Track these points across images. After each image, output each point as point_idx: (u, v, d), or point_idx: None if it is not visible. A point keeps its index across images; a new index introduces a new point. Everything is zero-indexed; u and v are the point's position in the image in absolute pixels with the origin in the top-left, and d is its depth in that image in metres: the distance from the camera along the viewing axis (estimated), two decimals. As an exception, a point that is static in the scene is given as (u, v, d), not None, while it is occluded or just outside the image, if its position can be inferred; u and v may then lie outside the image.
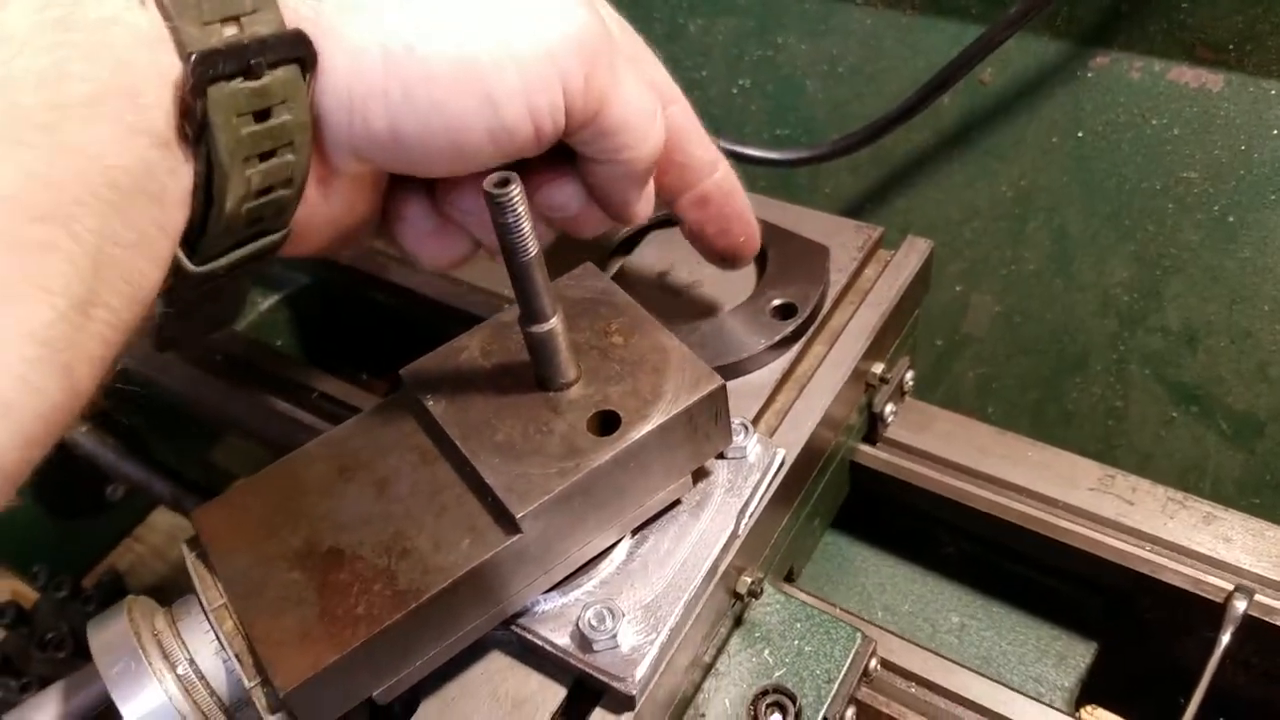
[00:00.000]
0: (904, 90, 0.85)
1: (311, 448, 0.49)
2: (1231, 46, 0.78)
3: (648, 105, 0.47)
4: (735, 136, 0.90)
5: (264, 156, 0.38)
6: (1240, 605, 0.58)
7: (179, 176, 0.36)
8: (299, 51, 0.38)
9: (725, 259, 0.57)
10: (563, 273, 0.54)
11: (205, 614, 0.43)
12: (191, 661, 0.42)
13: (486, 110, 0.41)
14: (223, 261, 0.40)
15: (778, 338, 0.59)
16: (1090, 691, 0.68)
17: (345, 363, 0.96)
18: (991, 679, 0.59)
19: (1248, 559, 0.60)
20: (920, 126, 0.91)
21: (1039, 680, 0.68)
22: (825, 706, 0.51)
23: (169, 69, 0.35)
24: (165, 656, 0.42)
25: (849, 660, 0.52)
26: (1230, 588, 0.59)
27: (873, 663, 0.54)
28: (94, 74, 0.33)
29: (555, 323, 0.45)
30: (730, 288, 0.64)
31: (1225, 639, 0.57)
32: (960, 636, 0.71)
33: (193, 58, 0.35)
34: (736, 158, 0.88)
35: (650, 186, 0.52)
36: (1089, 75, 0.85)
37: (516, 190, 0.40)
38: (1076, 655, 0.69)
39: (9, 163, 0.31)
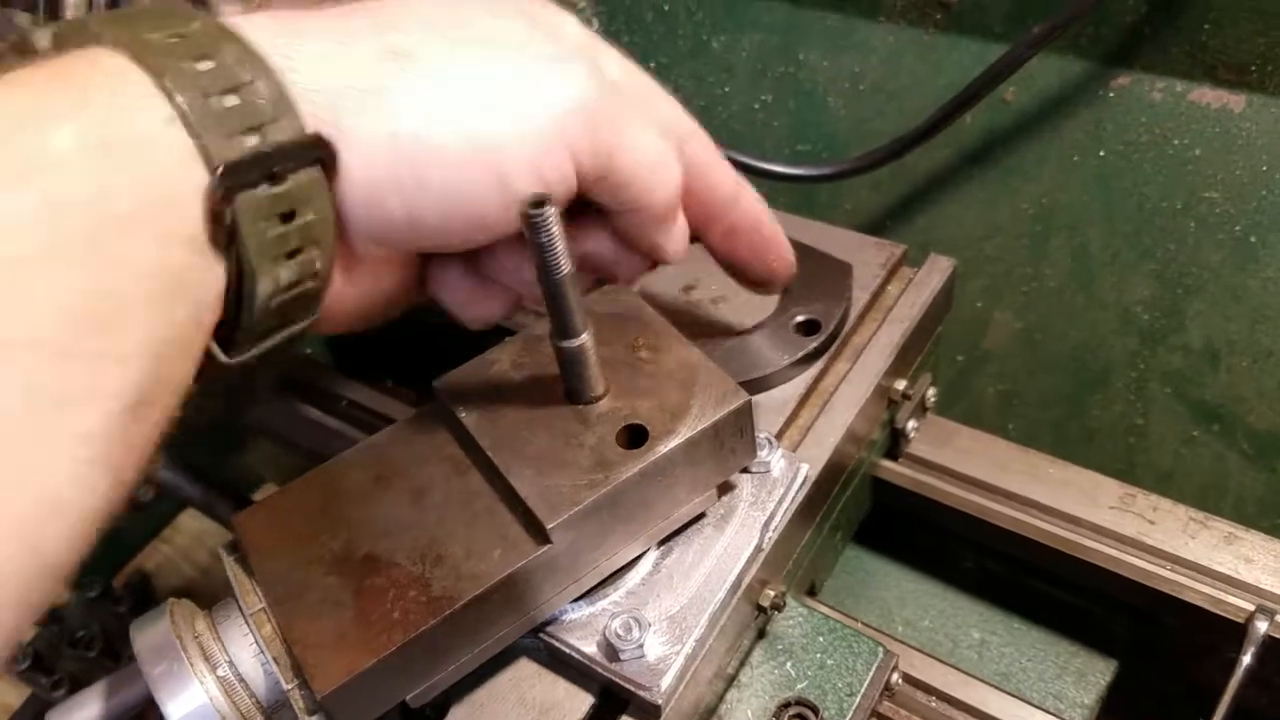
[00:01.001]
0: (926, 108, 0.86)
1: (348, 456, 0.50)
2: (1253, 68, 0.78)
3: (657, 151, 0.48)
4: (757, 152, 0.90)
5: (290, 254, 0.40)
6: (1262, 626, 0.58)
7: (212, 278, 0.38)
8: (318, 154, 0.40)
9: (760, 284, 0.58)
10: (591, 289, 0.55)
11: (244, 617, 0.44)
12: (231, 664, 0.43)
13: (498, 186, 0.43)
14: (254, 352, 0.42)
15: (801, 354, 0.60)
16: (1110, 709, 0.68)
17: (372, 369, 0.97)
18: (1011, 694, 0.59)
19: (1269, 580, 0.60)
20: (942, 144, 0.91)
21: (1059, 697, 0.69)
22: (847, 719, 0.51)
23: (199, 180, 0.37)
24: (206, 658, 0.43)
25: (871, 674, 0.53)
26: (1251, 608, 0.59)
27: (894, 677, 0.54)
28: (134, 191, 0.35)
29: (586, 338, 0.47)
30: (754, 304, 0.65)
31: (1247, 659, 0.58)
32: (980, 652, 0.71)
33: (219, 170, 0.37)
34: (758, 173, 0.89)
35: (680, 224, 0.52)
36: (1111, 95, 0.85)
37: (551, 211, 0.41)
38: (1096, 673, 0.70)
39: (63, 281, 0.33)
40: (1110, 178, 0.88)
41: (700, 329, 0.63)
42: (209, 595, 0.47)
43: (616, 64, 0.49)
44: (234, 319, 0.40)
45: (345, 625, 0.43)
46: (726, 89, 1.05)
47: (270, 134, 0.38)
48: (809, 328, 0.62)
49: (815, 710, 0.52)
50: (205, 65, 0.37)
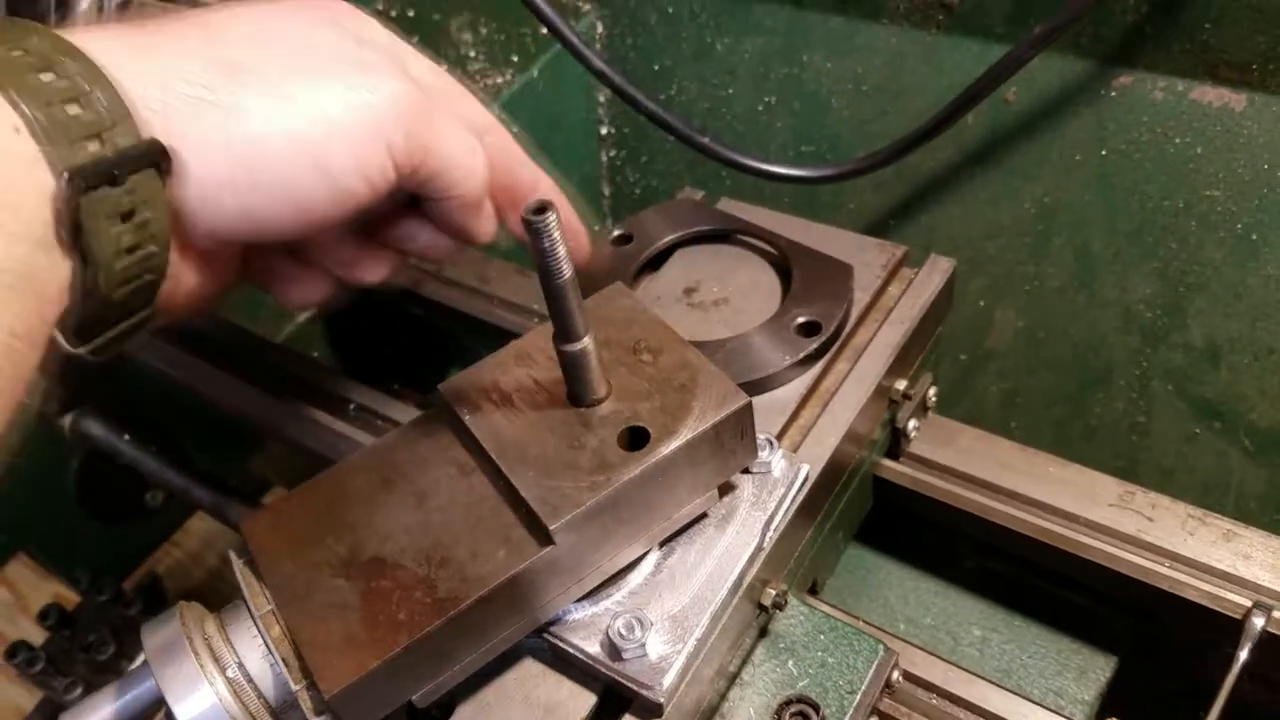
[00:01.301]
0: (928, 109, 0.86)
1: (354, 460, 0.51)
2: (1254, 67, 0.79)
3: (465, 144, 0.53)
4: (760, 154, 0.91)
5: (130, 250, 0.43)
6: (1259, 621, 0.59)
7: (57, 273, 0.41)
8: (155, 158, 0.43)
9: None
10: (592, 293, 0.55)
11: (253, 619, 0.45)
12: (240, 665, 0.44)
13: (324, 181, 0.47)
14: (98, 341, 0.45)
15: (802, 354, 0.61)
16: (1110, 705, 0.69)
17: (377, 372, 0.98)
18: (1012, 691, 0.60)
19: (1266, 576, 0.61)
20: (944, 144, 0.92)
21: (1059, 694, 0.69)
22: (848, 717, 0.52)
23: (45, 184, 0.39)
24: (215, 660, 0.44)
25: (871, 671, 0.53)
26: (1249, 604, 0.60)
27: (895, 674, 0.55)
28: None
29: (588, 341, 0.47)
30: (755, 306, 0.65)
31: (1244, 655, 0.58)
32: (981, 649, 0.72)
33: (65, 175, 0.39)
34: (761, 175, 0.90)
35: (487, 208, 0.57)
36: (1112, 94, 0.86)
37: (552, 218, 0.42)
38: (1097, 669, 0.70)
39: None
40: (1112, 177, 0.88)
41: (700, 330, 0.64)
42: (219, 597, 0.48)
43: (423, 66, 0.54)
44: (78, 311, 0.43)
45: (352, 627, 0.43)
46: (730, 91, 1.05)
47: (110, 140, 0.41)
48: (809, 329, 0.62)
49: (816, 708, 0.52)
50: (48, 77, 0.40)
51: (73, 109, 0.40)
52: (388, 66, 0.50)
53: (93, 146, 0.40)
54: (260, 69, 0.46)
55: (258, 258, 0.55)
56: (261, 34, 0.48)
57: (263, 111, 0.45)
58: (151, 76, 0.44)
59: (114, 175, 0.41)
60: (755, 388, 0.60)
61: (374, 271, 0.58)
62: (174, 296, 0.48)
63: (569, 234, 0.58)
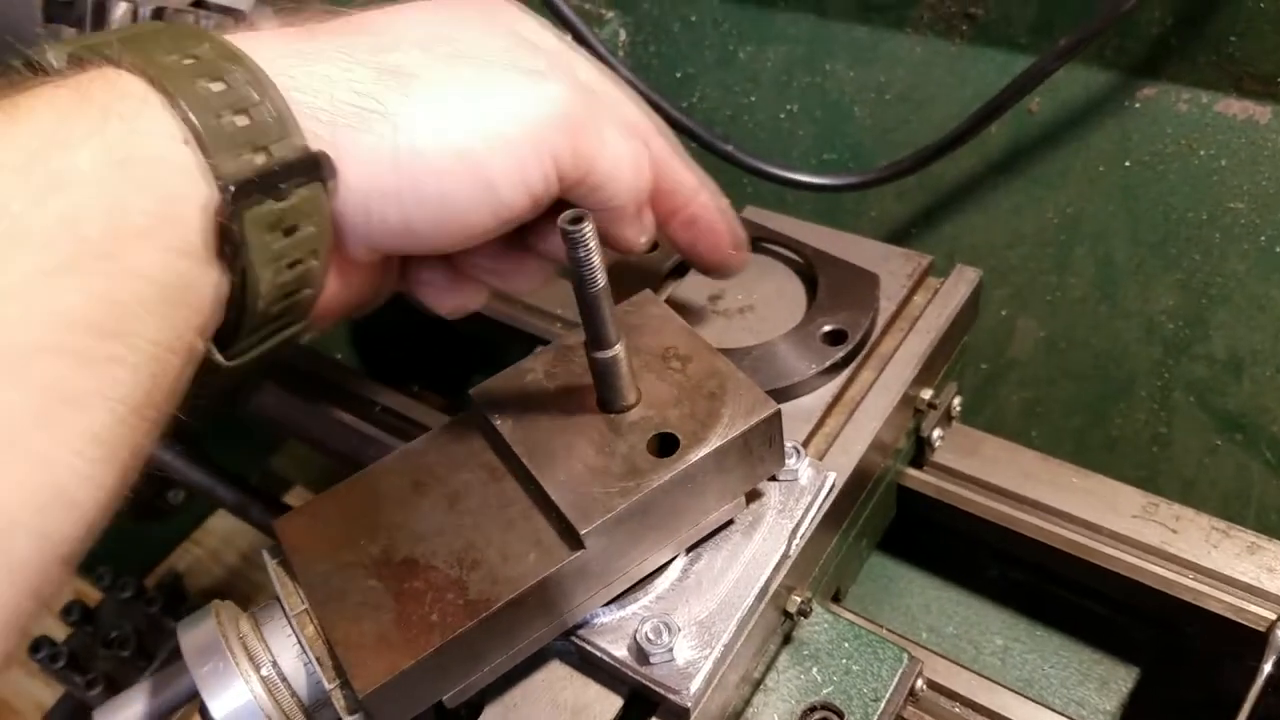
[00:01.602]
0: (951, 118, 0.87)
1: (387, 462, 0.51)
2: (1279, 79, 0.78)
3: (630, 153, 0.51)
4: (783, 161, 0.91)
5: (290, 265, 0.42)
6: (1283, 634, 0.59)
7: (216, 287, 0.40)
8: (319, 171, 0.42)
9: (717, 270, 0.61)
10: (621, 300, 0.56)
11: (287, 619, 0.45)
12: (275, 664, 0.45)
13: (488, 194, 0.46)
14: (251, 355, 0.44)
15: (828, 363, 0.61)
16: (1132, 716, 0.69)
17: (398, 374, 0.98)
18: (1034, 701, 0.60)
19: (1291, 589, 0.61)
20: (967, 154, 0.92)
21: (1081, 704, 0.69)
22: (871, 723, 0.52)
23: (208, 196, 0.39)
24: (250, 658, 0.45)
25: (896, 679, 0.54)
26: (1273, 617, 0.60)
27: (919, 683, 0.55)
28: (148, 207, 0.37)
29: (619, 349, 0.48)
30: (780, 313, 0.66)
31: (1268, 668, 0.58)
32: (1003, 659, 0.72)
33: (229, 189, 0.39)
34: (784, 183, 0.90)
35: (646, 217, 0.55)
36: (1136, 106, 0.86)
37: (589, 227, 0.43)
38: (1119, 680, 0.70)
39: (78, 288, 0.35)
40: (1135, 188, 0.88)
41: (726, 338, 0.64)
42: (239, 596, 0.49)
43: (591, 72, 0.53)
44: (233, 324, 0.43)
45: (385, 627, 0.44)
46: (753, 99, 1.06)
47: (275, 152, 0.40)
48: (836, 337, 0.63)
49: (840, 715, 0.53)
50: (216, 86, 0.40)
51: (240, 120, 0.40)
52: (557, 76, 0.48)
53: (258, 159, 0.40)
54: (429, 77, 0.45)
55: (411, 267, 0.54)
56: (432, 40, 0.47)
57: (430, 123, 0.44)
58: (319, 85, 0.43)
59: (278, 189, 0.41)
60: (780, 395, 0.60)
61: (527, 281, 0.56)
62: (326, 307, 0.48)
63: (734, 239, 0.59)
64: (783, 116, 1.04)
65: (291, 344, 0.47)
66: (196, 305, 0.40)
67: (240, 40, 0.42)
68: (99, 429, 0.36)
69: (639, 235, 0.55)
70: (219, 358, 0.43)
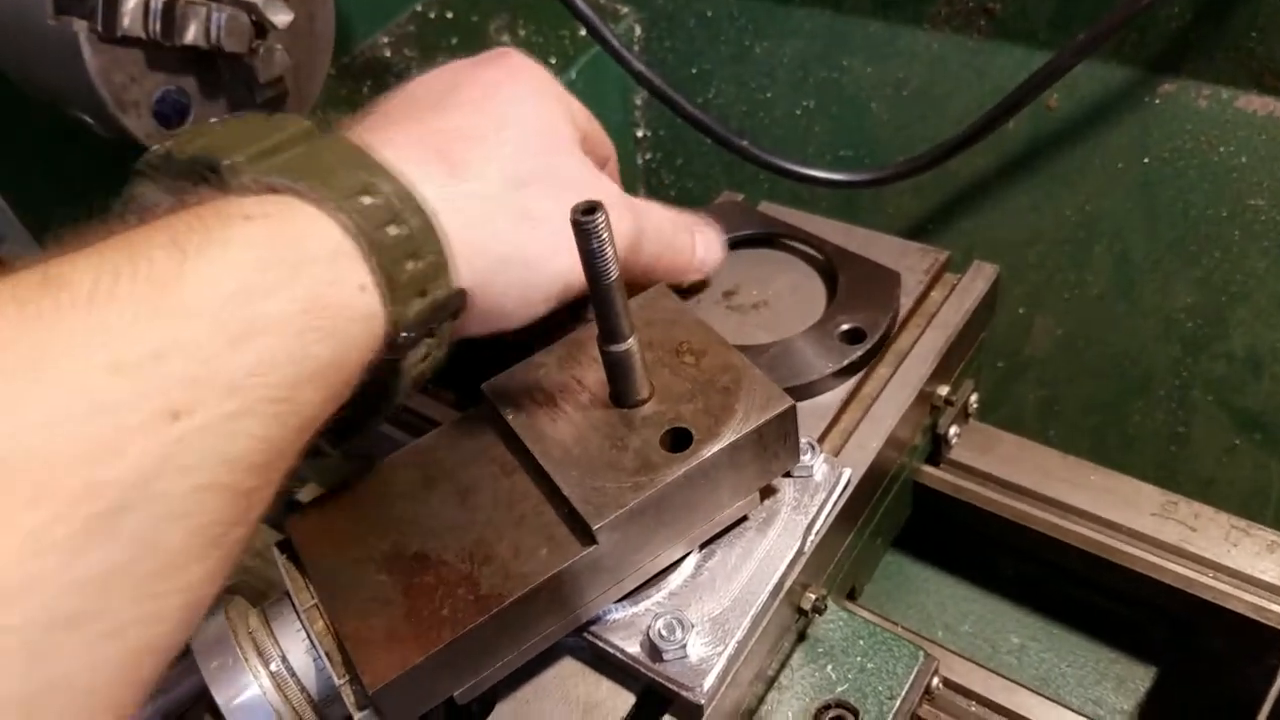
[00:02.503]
0: (968, 114, 0.86)
1: (397, 457, 0.51)
2: (1301, 75, 0.78)
3: (676, 226, 0.61)
4: (799, 158, 0.91)
5: (418, 377, 0.47)
6: (1304, 635, 0.58)
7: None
8: (459, 308, 0.46)
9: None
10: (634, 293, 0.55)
11: (297, 614, 0.45)
12: (284, 659, 0.45)
13: (566, 293, 0.51)
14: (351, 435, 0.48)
15: (845, 362, 0.61)
16: (1149, 715, 0.68)
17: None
18: (1052, 700, 0.59)
19: (1312, 589, 0.60)
20: (985, 150, 0.91)
21: (1098, 703, 0.69)
22: (887, 722, 0.52)
23: (379, 341, 0.42)
24: (260, 654, 0.44)
25: (911, 678, 0.53)
26: (1293, 617, 0.59)
27: (935, 681, 0.54)
28: (325, 355, 0.39)
29: (632, 343, 0.47)
30: (794, 310, 0.65)
31: (1288, 668, 0.58)
32: (1020, 657, 0.71)
33: (401, 336, 0.42)
34: (800, 179, 0.89)
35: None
36: (1156, 102, 0.85)
37: (602, 218, 0.42)
38: (1136, 679, 0.70)
39: (248, 433, 0.36)
40: (1154, 185, 0.87)
41: (742, 335, 0.64)
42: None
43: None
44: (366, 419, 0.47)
45: (396, 622, 0.44)
46: (769, 94, 1.05)
47: (432, 293, 0.43)
48: (854, 336, 0.62)
49: (855, 713, 0.52)
50: (395, 231, 0.42)
51: (411, 264, 0.42)
52: (626, 206, 0.55)
53: (420, 304, 0.43)
54: (547, 211, 0.49)
55: None
56: (555, 177, 0.51)
57: (539, 248, 0.49)
58: (464, 221, 0.46)
59: (431, 329, 0.44)
60: (797, 393, 0.59)
61: None
62: None
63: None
64: (799, 112, 1.04)
65: None
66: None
67: (404, 175, 0.44)
68: (235, 555, 0.37)
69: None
70: (327, 447, 0.46)
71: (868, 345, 0.61)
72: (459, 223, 0.45)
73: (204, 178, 0.42)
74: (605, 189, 0.55)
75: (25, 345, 0.31)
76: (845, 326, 0.62)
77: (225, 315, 0.35)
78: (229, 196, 0.40)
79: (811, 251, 0.69)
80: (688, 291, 0.67)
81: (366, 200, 0.41)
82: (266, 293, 0.37)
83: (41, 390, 0.31)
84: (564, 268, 0.49)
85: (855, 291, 0.64)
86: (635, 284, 0.57)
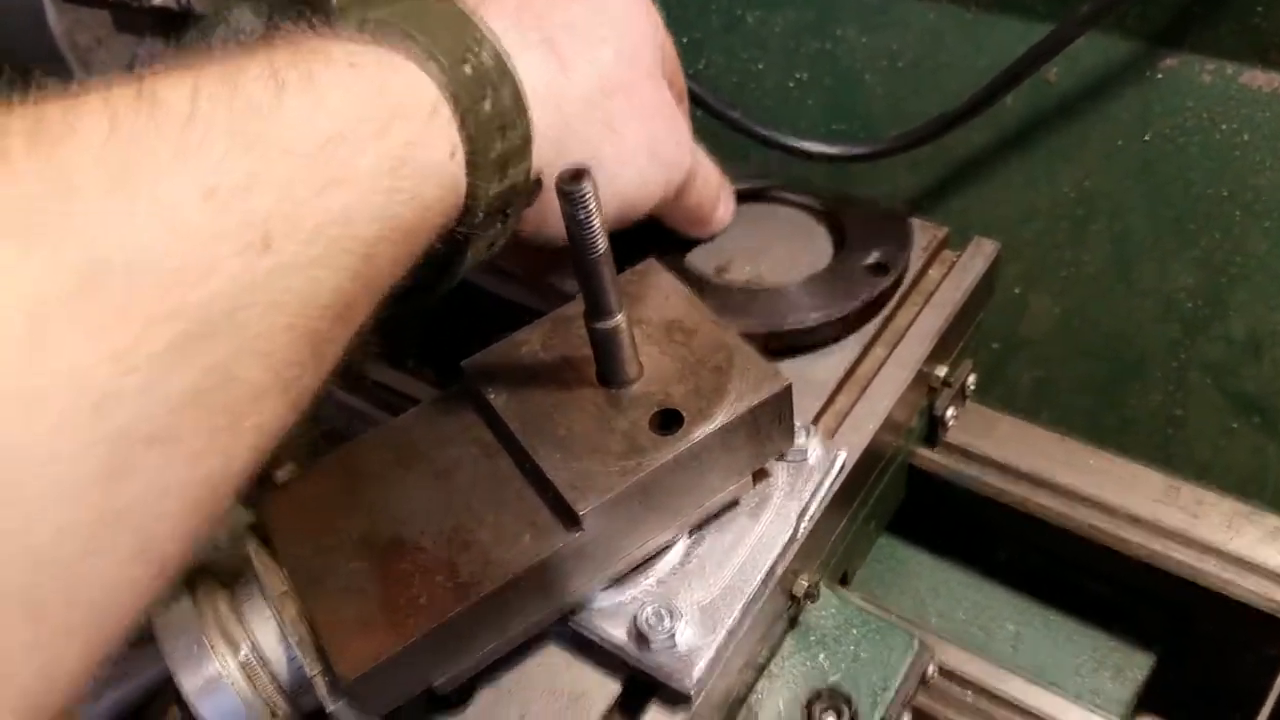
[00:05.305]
0: (965, 87, 0.84)
1: (371, 437, 0.49)
2: (1308, 50, 0.76)
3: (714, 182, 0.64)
4: (791, 130, 0.88)
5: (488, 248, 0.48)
6: (1307, 623, 0.57)
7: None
8: (532, 195, 0.47)
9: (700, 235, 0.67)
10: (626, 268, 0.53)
11: (268, 600, 0.43)
12: (254, 646, 0.43)
13: (630, 213, 0.54)
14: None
15: (876, 293, 0.60)
16: (1147, 703, 0.67)
17: (394, 349, 0.96)
18: (1049, 688, 0.58)
19: (1315, 576, 0.59)
20: (982, 125, 0.89)
21: (1095, 691, 0.67)
22: (881, 712, 0.50)
23: (454, 209, 0.42)
24: (227, 640, 0.42)
25: (906, 666, 0.52)
26: (1298, 603, 0.58)
27: (931, 669, 0.53)
28: (406, 217, 0.39)
29: (621, 319, 0.45)
30: (792, 274, 0.63)
31: (1291, 656, 0.56)
32: (1015, 645, 0.70)
33: (480, 215, 0.43)
34: (792, 152, 0.87)
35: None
36: (1158, 77, 0.83)
37: (589, 186, 0.40)
38: (1134, 667, 0.68)
39: (328, 282, 0.36)
40: (1155, 162, 0.85)
41: (736, 308, 0.61)
42: (224, 569, 0.47)
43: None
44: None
45: (371, 610, 0.42)
46: (760, 66, 1.03)
47: (512, 174, 0.44)
48: (878, 269, 0.61)
49: (849, 701, 0.51)
50: (490, 104, 0.42)
51: (499, 141, 0.42)
52: (685, 127, 0.58)
53: (497, 182, 0.43)
54: (630, 131, 0.51)
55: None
56: (639, 108, 0.53)
57: (611, 161, 0.51)
58: (554, 116, 0.47)
59: (505, 214, 0.45)
60: (816, 334, 0.59)
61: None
62: None
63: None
64: (791, 84, 1.02)
65: None
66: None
67: (513, 56, 0.44)
68: (301, 406, 0.38)
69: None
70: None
71: (892, 277, 0.60)
72: (550, 115, 0.46)
73: (304, 15, 0.41)
74: (679, 121, 0.56)
75: (119, 163, 0.31)
76: (869, 260, 0.62)
77: (319, 160, 0.35)
78: (330, 40, 0.40)
79: (811, 202, 0.67)
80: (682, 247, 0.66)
81: (468, 69, 0.41)
82: (360, 144, 0.37)
83: (134, 210, 0.31)
84: (627, 187, 0.52)
85: (867, 229, 0.63)
86: (669, 221, 0.62)
